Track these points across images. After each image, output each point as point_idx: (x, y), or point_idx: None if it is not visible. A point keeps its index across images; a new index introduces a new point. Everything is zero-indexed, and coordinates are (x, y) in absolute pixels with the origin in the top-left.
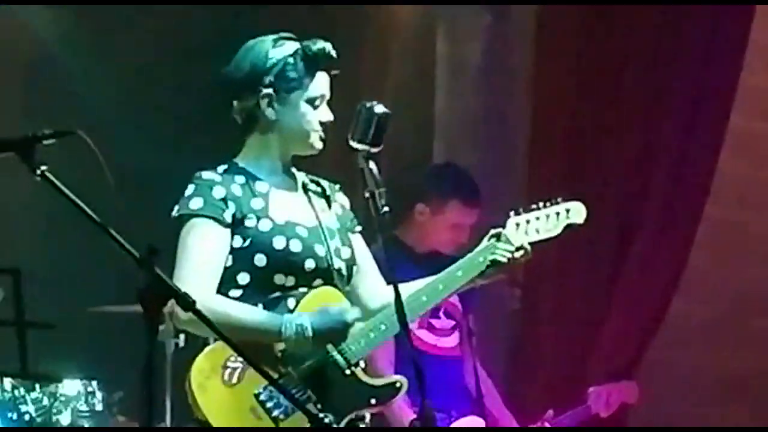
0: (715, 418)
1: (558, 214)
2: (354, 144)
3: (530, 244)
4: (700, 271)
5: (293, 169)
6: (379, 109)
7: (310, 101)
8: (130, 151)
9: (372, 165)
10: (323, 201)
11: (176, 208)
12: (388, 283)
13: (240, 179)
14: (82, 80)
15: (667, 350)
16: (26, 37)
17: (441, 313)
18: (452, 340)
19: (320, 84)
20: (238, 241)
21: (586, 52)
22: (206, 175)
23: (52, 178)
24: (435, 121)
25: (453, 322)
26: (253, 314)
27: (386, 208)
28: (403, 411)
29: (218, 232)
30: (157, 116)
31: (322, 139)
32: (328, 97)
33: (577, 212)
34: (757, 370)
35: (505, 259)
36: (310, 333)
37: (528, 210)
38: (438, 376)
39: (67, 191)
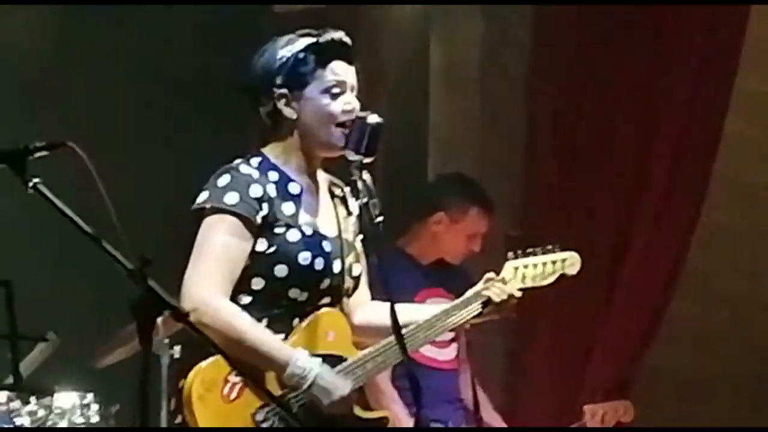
0: (712, 419)
1: (554, 263)
2: (348, 154)
3: (523, 289)
4: (697, 273)
5: (319, 171)
6: (373, 119)
7: (326, 90)
8: (122, 159)
9: (366, 175)
10: (344, 207)
11: (205, 195)
12: (374, 298)
13: (273, 176)
14: (76, 84)
15: (663, 352)
16: (20, 42)
17: None
18: (450, 352)
19: (335, 72)
20: (261, 245)
21: (582, 57)
22: (244, 168)
23: (44, 190)
24: (429, 128)
25: (452, 335)
26: (267, 341)
27: (380, 219)
28: (401, 421)
29: (246, 234)
30: (154, 120)
31: (346, 136)
32: (353, 84)
33: (572, 264)
34: (755, 371)
35: (499, 300)
36: (309, 382)
37: (525, 254)
38: (435, 388)
39: (59, 204)
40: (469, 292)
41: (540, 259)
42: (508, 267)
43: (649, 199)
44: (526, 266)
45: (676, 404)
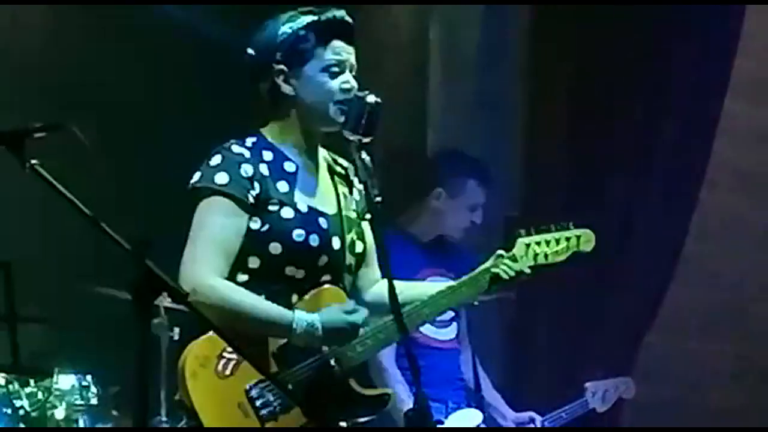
0: (713, 403)
1: (568, 239)
2: (346, 134)
3: (535, 267)
4: (698, 259)
5: (319, 147)
6: (371, 98)
7: (326, 69)
8: (122, 141)
9: (364, 155)
10: (345, 185)
11: (197, 176)
12: (384, 276)
13: (268, 155)
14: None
15: (665, 338)
16: (22, 34)
17: None
18: (450, 332)
19: (335, 51)
20: (255, 223)
21: (582, 39)
22: (235, 148)
23: (42, 171)
24: (428, 110)
25: (452, 314)
26: (265, 307)
27: (379, 198)
28: (403, 402)
29: (239, 214)
30: (154, 105)
31: (345, 113)
32: (352, 63)
33: (587, 241)
34: (756, 356)
35: (507, 277)
36: (320, 332)
37: (538, 231)
38: (435, 368)
39: (57, 185)
40: (479, 269)
41: (553, 235)
42: (520, 243)
43: (649, 180)
44: (538, 243)
45: (676, 389)
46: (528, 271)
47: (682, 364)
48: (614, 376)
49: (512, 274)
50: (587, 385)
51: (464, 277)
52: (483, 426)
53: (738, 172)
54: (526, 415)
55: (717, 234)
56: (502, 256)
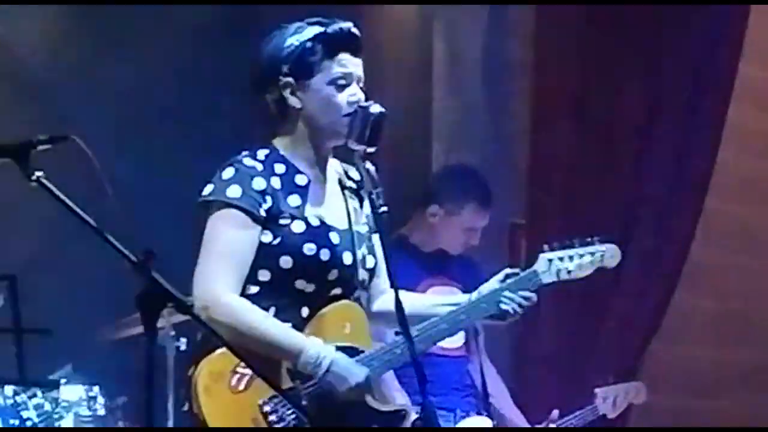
0: (716, 412)
1: (592, 255)
2: (351, 144)
3: (557, 282)
4: (703, 265)
5: (330, 159)
6: (375, 108)
7: (333, 82)
8: (127, 152)
9: (369, 165)
10: (356, 199)
11: (209, 188)
12: (392, 286)
13: (280, 168)
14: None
15: (671, 345)
16: (20, 42)
17: None
18: (458, 339)
19: (342, 63)
20: (267, 237)
21: (585, 46)
22: (248, 161)
23: (47, 184)
24: (433, 119)
25: None
26: (279, 331)
27: (384, 208)
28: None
29: (251, 227)
30: (158, 115)
31: (349, 123)
32: (359, 76)
33: (612, 256)
34: (762, 364)
35: (513, 312)
36: (324, 369)
37: (562, 246)
38: (443, 376)
39: (63, 197)
40: (486, 292)
41: (577, 251)
42: (542, 259)
43: (654, 188)
44: (561, 258)
45: (682, 396)
46: (534, 299)
47: (687, 371)
48: (624, 382)
49: (518, 309)
50: (597, 390)
51: (471, 301)
52: None
53: (744, 179)
54: None
55: (722, 241)
56: (510, 275)
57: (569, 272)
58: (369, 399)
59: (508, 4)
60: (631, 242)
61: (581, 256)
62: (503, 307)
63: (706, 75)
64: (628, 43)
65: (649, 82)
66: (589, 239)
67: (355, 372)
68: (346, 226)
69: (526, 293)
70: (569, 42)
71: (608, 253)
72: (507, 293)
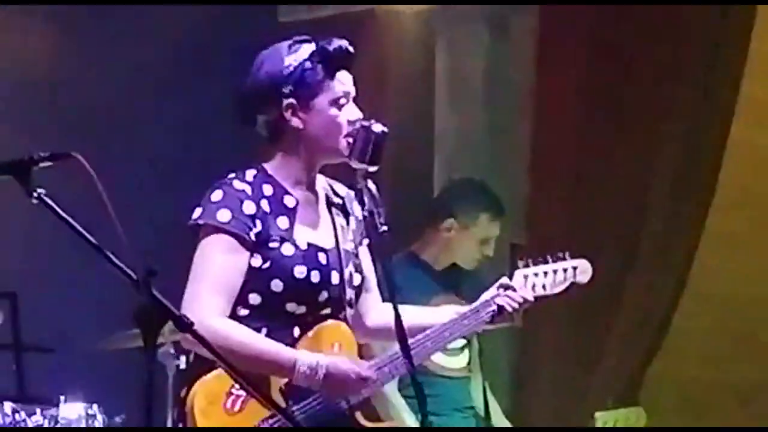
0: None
1: (565, 270)
2: (353, 163)
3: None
4: (702, 280)
5: (318, 176)
6: (377, 128)
7: (335, 101)
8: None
9: (371, 184)
10: (342, 217)
11: (198, 211)
12: (384, 300)
13: (268, 190)
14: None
15: (667, 361)
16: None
17: None
18: (462, 360)
19: (342, 82)
20: (256, 261)
21: (587, 65)
22: (237, 184)
23: (49, 201)
24: (435, 138)
25: (464, 342)
26: (268, 348)
27: (385, 228)
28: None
29: (240, 252)
30: (156, 128)
31: (351, 143)
32: (353, 94)
33: (583, 271)
34: (763, 380)
35: (510, 309)
36: (321, 377)
37: (536, 263)
38: (446, 396)
39: (64, 214)
40: (481, 299)
41: (550, 267)
42: (518, 275)
43: (656, 209)
44: (536, 274)
45: (678, 410)
46: (531, 299)
47: (687, 390)
48: (624, 406)
49: (516, 306)
50: (597, 415)
51: (467, 308)
52: None
53: (742, 192)
54: None
55: (723, 257)
56: (504, 285)
57: (544, 287)
58: (360, 417)
59: (509, 4)
60: (633, 267)
61: (555, 272)
62: (498, 302)
63: (711, 90)
64: (630, 67)
65: (654, 100)
66: (560, 255)
67: (354, 370)
68: (333, 244)
69: (525, 294)
70: (571, 61)
71: (580, 268)
72: (508, 295)
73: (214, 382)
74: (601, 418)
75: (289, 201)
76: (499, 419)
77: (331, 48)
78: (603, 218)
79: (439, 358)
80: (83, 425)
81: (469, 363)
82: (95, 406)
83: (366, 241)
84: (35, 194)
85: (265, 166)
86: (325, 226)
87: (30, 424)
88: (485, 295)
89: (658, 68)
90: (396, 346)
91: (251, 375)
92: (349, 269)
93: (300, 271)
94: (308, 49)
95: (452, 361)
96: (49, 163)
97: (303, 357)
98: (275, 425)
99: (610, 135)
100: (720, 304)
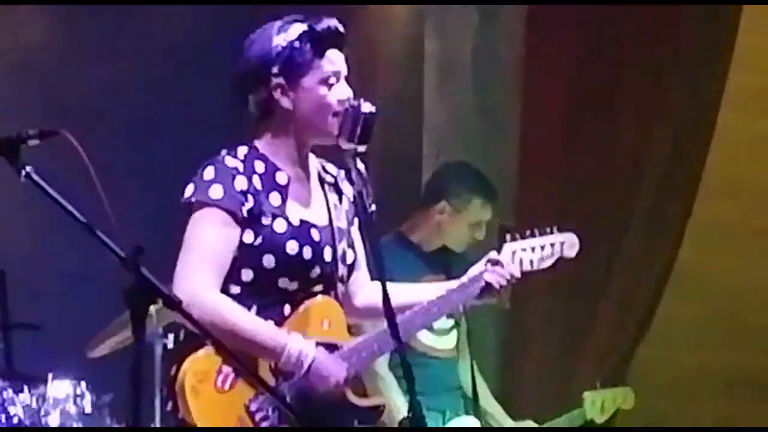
0: (706, 415)
1: (552, 245)
2: (341, 143)
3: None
4: (690, 268)
5: (310, 156)
6: (366, 107)
7: (324, 81)
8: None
9: (360, 164)
10: (335, 194)
11: (190, 189)
12: (373, 279)
13: (260, 167)
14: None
15: (657, 349)
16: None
17: None
18: (450, 340)
19: (332, 61)
20: (249, 236)
21: (576, 47)
22: (229, 160)
23: (37, 179)
24: (424, 119)
25: (452, 322)
26: (259, 329)
27: (373, 207)
28: (398, 409)
29: (233, 227)
30: (146, 110)
31: (340, 123)
32: (345, 73)
33: (571, 245)
34: (750, 367)
35: (498, 286)
36: (305, 368)
37: (524, 237)
38: (434, 376)
39: (52, 192)
40: (469, 274)
41: (538, 241)
42: (506, 250)
43: (644, 191)
44: (524, 249)
45: (669, 400)
46: (518, 275)
47: (674, 375)
48: (612, 386)
49: (504, 282)
50: (585, 394)
51: (455, 284)
52: None
53: (732, 180)
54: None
55: (711, 243)
56: (492, 260)
57: (531, 262)
58: (348, 393)
59: (498, 3)
60: (621, 250)
61: (542, 246)
62: (487, 278)
63: (700, 79)
64: (621, 48)
65: (644, 82)
66: (548, 229)
67: (335, 370)
68: (326, 221)
69: (512, 270)
70: (560, 42)
71: (568, 243)
72: (496, 271)
73: (204, 360)
74: (590, 398)
75: (281, 178)
76: (487, 400)
77: (319, 27)
78: (592, 201)
79: (427, 338)
80: (71, 404)
81: (457, 344)
82: (83, 385)
83: (357, 221)
84: (24, 172)
85: (257, 143)
86: (317, 204)
87: (17, 402)
88: (474, 270)
89: (648, 47)
90: (386, 323)
91: (240, 352)
92: (342, 246)
93: (292, 247)
94: (298, 28)
95: (441, 342)
96: (37, 141)
97: (292, 344)
98: (266, 403)
99: (600, 117)
100: (709, 290)
